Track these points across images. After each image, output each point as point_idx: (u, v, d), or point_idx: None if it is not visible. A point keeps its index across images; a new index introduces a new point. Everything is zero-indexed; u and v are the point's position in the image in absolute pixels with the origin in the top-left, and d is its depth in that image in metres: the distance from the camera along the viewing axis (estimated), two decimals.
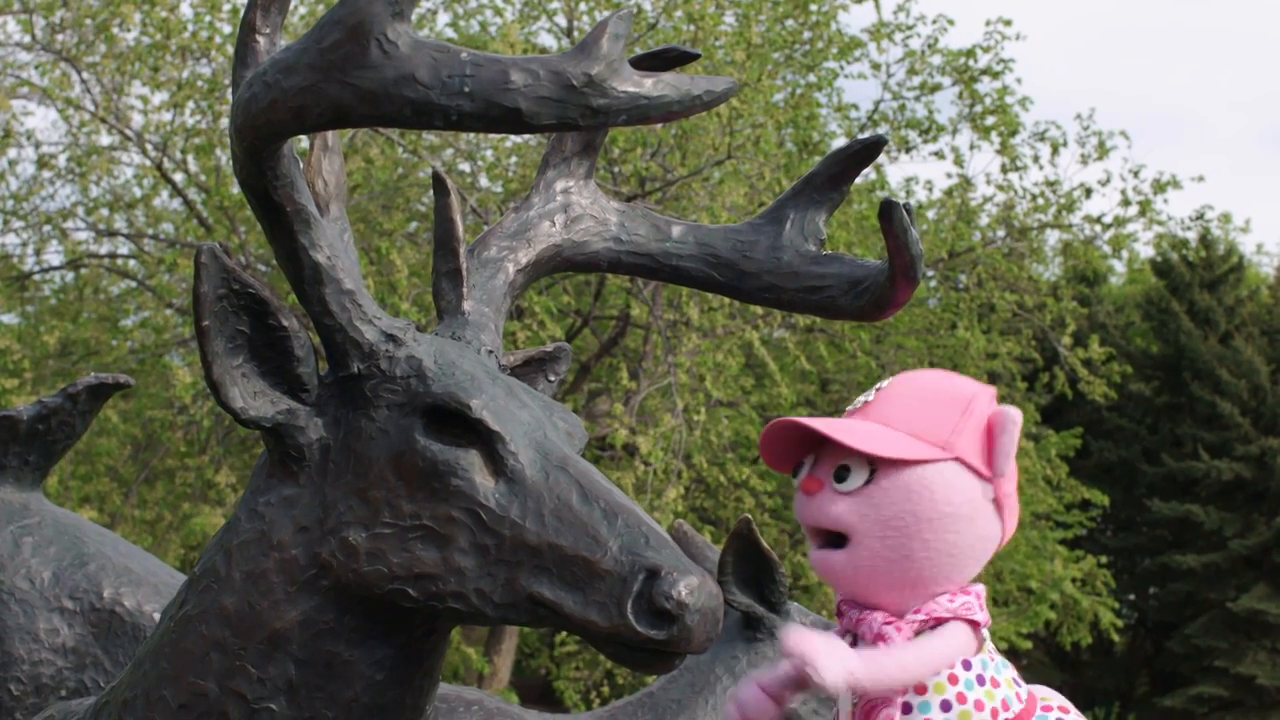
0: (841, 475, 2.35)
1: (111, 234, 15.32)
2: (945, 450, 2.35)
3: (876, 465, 2.33)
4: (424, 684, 2.48)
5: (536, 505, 2.32)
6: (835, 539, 2.37)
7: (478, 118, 2.15)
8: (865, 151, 2.78)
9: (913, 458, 2.33)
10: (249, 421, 2.40)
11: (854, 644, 2.39)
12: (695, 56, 2.72)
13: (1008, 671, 2.41)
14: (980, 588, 2.43)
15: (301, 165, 2.47)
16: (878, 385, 2.45)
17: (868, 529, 2.33)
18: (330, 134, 2.69)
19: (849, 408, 2.43)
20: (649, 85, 2.17)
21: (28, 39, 13.97)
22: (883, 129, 15.43)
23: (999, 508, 2.41)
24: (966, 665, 2.36)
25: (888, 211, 2.50)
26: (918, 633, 2.35)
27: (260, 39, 2.39)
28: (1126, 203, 16.35)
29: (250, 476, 2.54)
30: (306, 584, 2.40)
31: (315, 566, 2.40)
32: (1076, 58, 66.24)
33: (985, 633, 2.41)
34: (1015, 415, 2.38)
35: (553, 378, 2.91)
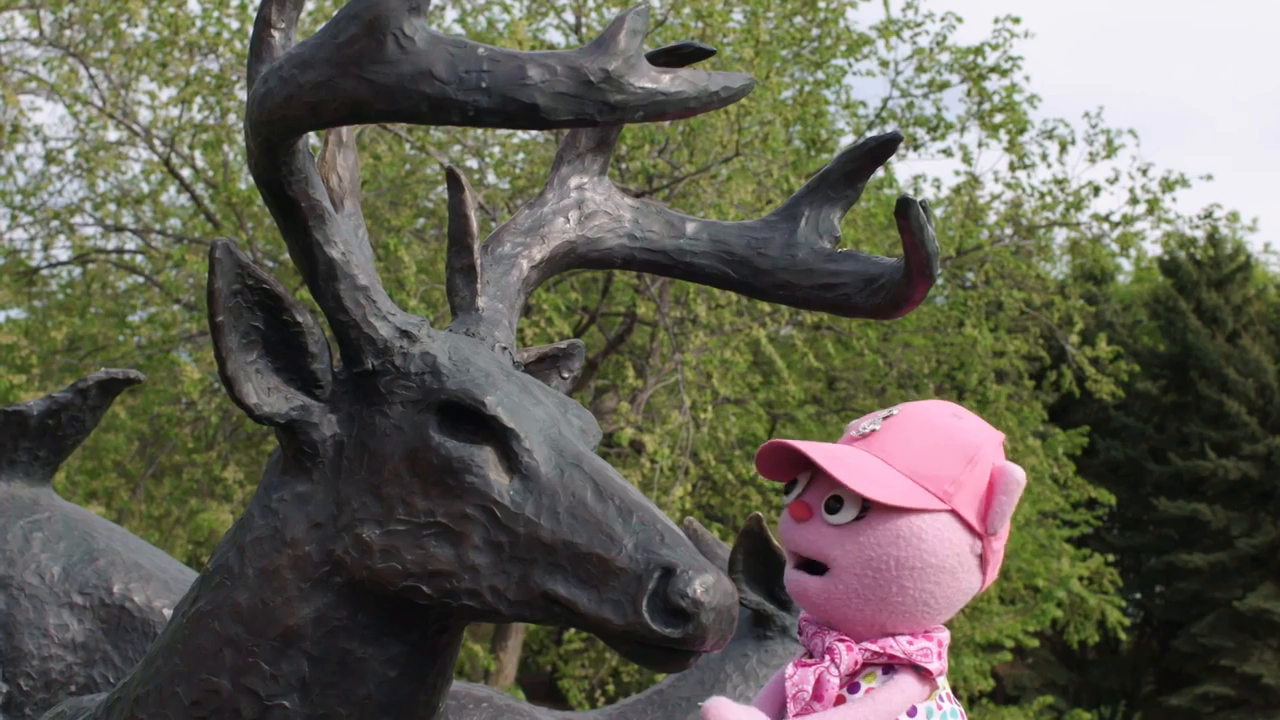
0: (833, 506, 2.31)
1: (119, 229, 15.33)
2: (942, 500, 2.30)
3: (869, 504, 2.29)
4: (437, 681, 2.47)
5: (551, 502, 2.31)
6: (813, 565, 2.33)
7: (494, 113, 2.14)
8: (880, 148, 2.77)
9: (908, 505, 2.28)
10: (263, 418, 2.39)
11: (808, 657, 2.37)
12: (710, 53, 2.71)
13: None
14: (944, 634, 2.39)
15: (315, 161, 2.47)
16: (887, 412, 2.40)
17: (848, 564, 2.29)
18: (344, 129, 2.68)
19: (854, 431, 2.38)
20: (666, 81, 2.16)
21: (35, 34, 13.98)
22: (891, 126, 15.41)
23: (983, 563, 2.36)
24: (912, 713, 2.31)
25: (904, 209, 2.49)
26: (866, 664, 2.32)
27: (275, 34, 2.39)
28: (1135, 201, 16.33)
29: (263, 473, 2.54)
30: (320, 581, 2.39)
31: (329, 563, 2.39)
32: (1080, 54, 66.20)
33: (941, 680, 2.37)
34: (1019, 477, 2.33)
35: (566, 374, 2.90)
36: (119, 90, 13.82)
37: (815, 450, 2.31)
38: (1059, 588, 16.39)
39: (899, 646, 2.32)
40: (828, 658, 2.30)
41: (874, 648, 2.31)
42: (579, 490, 2.32)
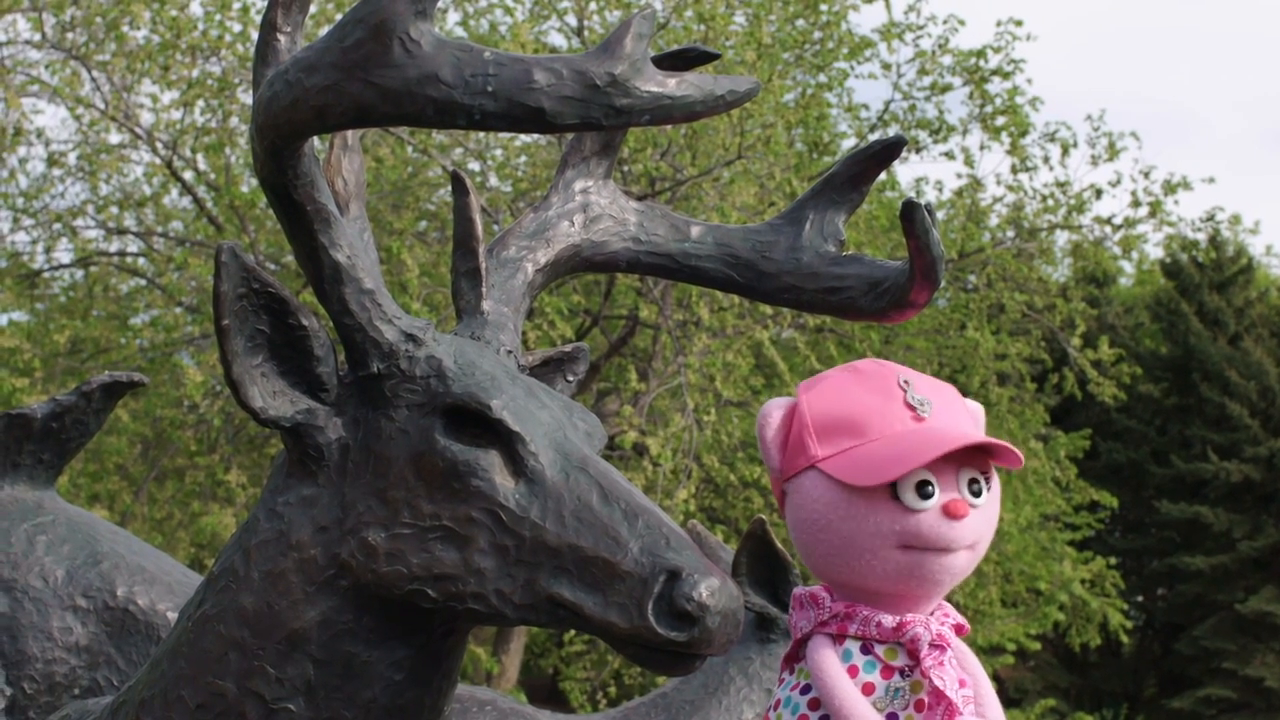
0: (978, 489, 2.34)
1: (121, 232, 15.34)
2: None
3: (990, 474, 2.35)
4: (442, 685, 2.47)
5: (557, 506, 2.31)
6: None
7: (500, 117, 2.14)
8: (885, 152, 2.77)
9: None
10: (268, 421, 2.39)
11: (866, 650, 2.37)
12: (715, 56, 2.71)
13: None
14: None
15: (320, 164, 2.46)
16: (903, 380, 2.39)
17: (984, 536, 2.37)
18: (350, 133, 2.69)
19: (917, 410, 2.36)
20: (672, 85, 2.16)
21: (38, 37, 13.99)
22: (893, 129, 15.40)
23: None
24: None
25: (909, 212, 2.49)
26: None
27: (281, 37, 2.38)
28: (1137, 204, 16.33)
29: (268, 476, 2.54)
30: (325, 584, 2.39)
31: (334, 567, 2.39)
32: (1082, 57, 66.23)
33: None
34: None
35: (571, 378, 2.90)
36: (121, 93, 13.83)
37: (987, 440, 2.34)
38: (1061, 591, 16.38)
39: (951, 609, 2.41)
40: (946, 648, 2.33)
41: (952, 621, 2.39)
42: (584, 494, 2.32)
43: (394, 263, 12.54)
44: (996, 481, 2.38)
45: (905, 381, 2.38)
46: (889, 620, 2.33)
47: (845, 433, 2.35)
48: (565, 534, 2.30)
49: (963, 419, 2.39)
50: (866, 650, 2.35)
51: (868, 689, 2.31)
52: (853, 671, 2.33)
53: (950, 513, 2.31)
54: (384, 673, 2.40)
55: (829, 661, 2.34)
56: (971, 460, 2.33)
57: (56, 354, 14.23)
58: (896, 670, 2.32)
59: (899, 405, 2.36)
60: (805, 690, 2.36)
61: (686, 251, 2.80)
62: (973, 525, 2.33)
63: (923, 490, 2.31)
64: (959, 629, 2.39)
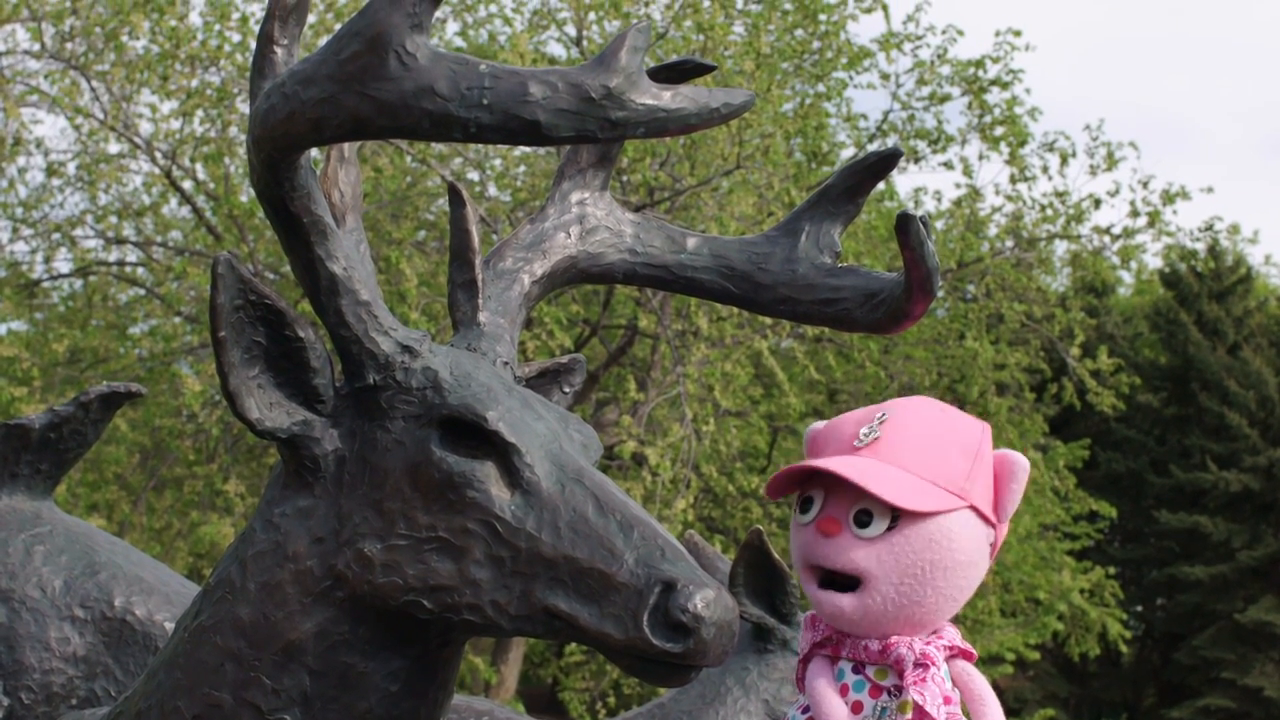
0: (863, 520, 2.35)
1: (120, 242, 15.37)
2: (961, 498, 2.37)
3: (899, 513, 2.34)
4: (438, 696, 2.48)
5: (552, 517, 2.32)
6: (844, 581, 2.37)
7: (496, 130, 2.14)
8: (881, 164, 2.77)
9: (938, 509, 2.34)
10: (265, 432, 2.40)
11: (857, 670, 2.40)
12: (711, 69, 2.71)
13: None
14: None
15: (317, 176, 2.47)
16: (879, 416, 2.43)
17: (885, 575, 2.34)
18: (346, 145, 2.69)
19: (855, 440, 2.40)
20: (667, 98, 2.16)
21: (37, 47, 14.02)
22: (892, 139, 15.43)
23: (993, 550, 2.45)
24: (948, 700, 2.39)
25: (904, 224, 2.49)
26: (947, 659, 2.39)
27: (278, 50, 2.39)
28: (1135, 213, 16.36)
29: (265, 487, 2.54)
30: (321, 595, 2.40)
31: (330, 578, 2.39)
32: (1080, 67, 66.32)
33: None
34: (1024, 463, 2.43)
35: (567, 389, 2.90)
36: (120, 103, 13.86)
37: (846, 469, 2.35)
38: (1060, 600, 16.40)
39: (958, 638, 2.42)
40: (930, 666, 2.34)
41: (944, 642, 2.39)
42: (580, 505, 2.32)
43: (392, 272, 12.55)
44: (917, 528, 2.35)
45: (882, 419, 2.42)
46: (875, 644, 2.38)
47: (810, 455, 2.48)
48: (561, 545, 2.30)
49: (912, 454, 2.38)
50: (858, 670, 2.40)
51: (857, 707, 2.36)
52: (844, 691, 2.39)
53: (821, 528, 2.38)
54: (380, 684, 2.41)
55: (820, 682, 2.40)
56: (866, 495, 2.35)
57: (55, 363, 14.24)
58: (885, 690, 2.37)
59: (849, 436, 2.42)
60: (805, 710, 2.43)
61: (682, 263, 2.80)
62: (852, 555, 2.35)
63: (804, 506, 2.41)
64: (965, 654, 2.41)
